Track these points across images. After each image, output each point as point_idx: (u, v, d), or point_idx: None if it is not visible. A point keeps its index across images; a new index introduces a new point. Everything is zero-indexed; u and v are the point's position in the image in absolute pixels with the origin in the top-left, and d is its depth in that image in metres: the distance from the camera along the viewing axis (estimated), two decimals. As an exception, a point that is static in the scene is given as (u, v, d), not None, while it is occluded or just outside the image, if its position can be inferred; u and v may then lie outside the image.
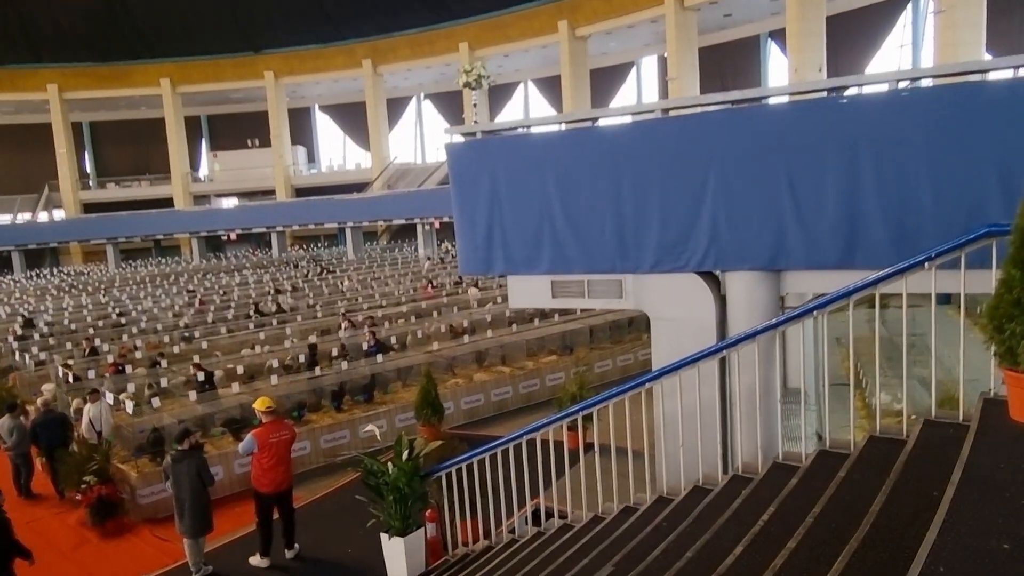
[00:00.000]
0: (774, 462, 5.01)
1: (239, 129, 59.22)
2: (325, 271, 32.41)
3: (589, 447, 6.03)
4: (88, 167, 60.16)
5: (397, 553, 6.90)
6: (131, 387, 13.27)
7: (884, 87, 5.82)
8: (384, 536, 6.94)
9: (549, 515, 7.11)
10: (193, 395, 11.55)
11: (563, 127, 7.20)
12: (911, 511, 3.24)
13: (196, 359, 14.15)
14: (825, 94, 6.15)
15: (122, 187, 58.45)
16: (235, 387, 11.91)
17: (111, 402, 11.24)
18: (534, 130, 7.38)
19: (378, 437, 7.03)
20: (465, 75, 24.33)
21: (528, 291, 7.54)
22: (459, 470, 7.07)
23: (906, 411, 4.90)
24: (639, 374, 6.59)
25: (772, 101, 6.33)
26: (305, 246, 53.06)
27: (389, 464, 6.87)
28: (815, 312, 4.82)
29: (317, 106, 60.84)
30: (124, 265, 45.32)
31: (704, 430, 5.45)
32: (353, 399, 13.33)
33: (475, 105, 30.69)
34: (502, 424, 13.83)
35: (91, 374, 14.60)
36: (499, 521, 6.81)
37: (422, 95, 58.35)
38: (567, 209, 6.99)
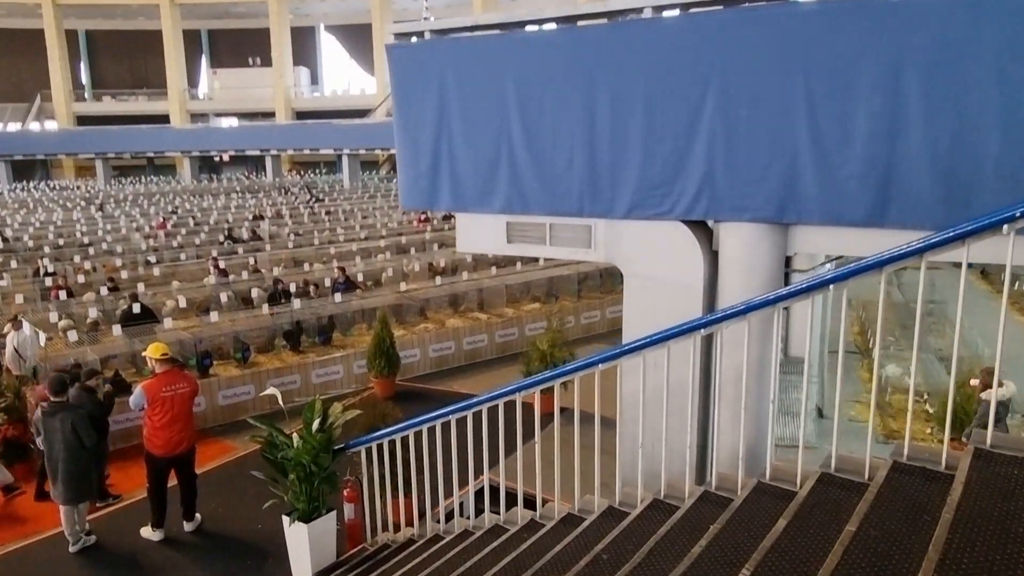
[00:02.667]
0: (759, 482, 3.74)
1: (241, 46, 57.05)
2: (314, 199, 30.95)
3: (562, 411, 4.78)
4: (84, 78, 58.26)
5: (300, 541, 5.75)
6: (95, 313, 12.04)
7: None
8: (286, 520, 5.77)
9: (496, 493, 5.89)
10: (118, 329, 10.31)
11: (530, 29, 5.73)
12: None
13: (141, 287, 12.89)
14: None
15: (118, 101, 56.62)
16: (168, 322, 10.65)
17: (29, 332, 10.03)
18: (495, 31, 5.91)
19: (280, 402, 5.76)
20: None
21: (479, 233, 6.20)
22: (391, 441, 5.86)
23: (947, 440, 3.61)
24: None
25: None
26: (302, 172, 51.43)
27: (294, 435, 5.66)
28: (831, 285, 3.48)
29: (323, 25, 58.37)
30: (114, 182, 43.92)
31: (672, 426, 4.18)
32: (310, 341, 12.12)
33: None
34: (472, 376, 12.66)
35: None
36: (448, 495, 5.63)
37: (431, 18, 55.77)
38: (529, 133, 5.59)
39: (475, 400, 5.03)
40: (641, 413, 4.22)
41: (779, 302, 3.63)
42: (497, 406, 4.97)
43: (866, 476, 3.40)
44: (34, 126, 53.78)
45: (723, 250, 5.20)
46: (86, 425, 6.53)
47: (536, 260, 15.82)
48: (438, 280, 14.07)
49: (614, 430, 4.49)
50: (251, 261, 16.09)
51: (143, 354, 7.81)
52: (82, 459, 6.51)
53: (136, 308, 11.20)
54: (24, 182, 44.24)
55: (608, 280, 16.19)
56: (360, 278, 14.33)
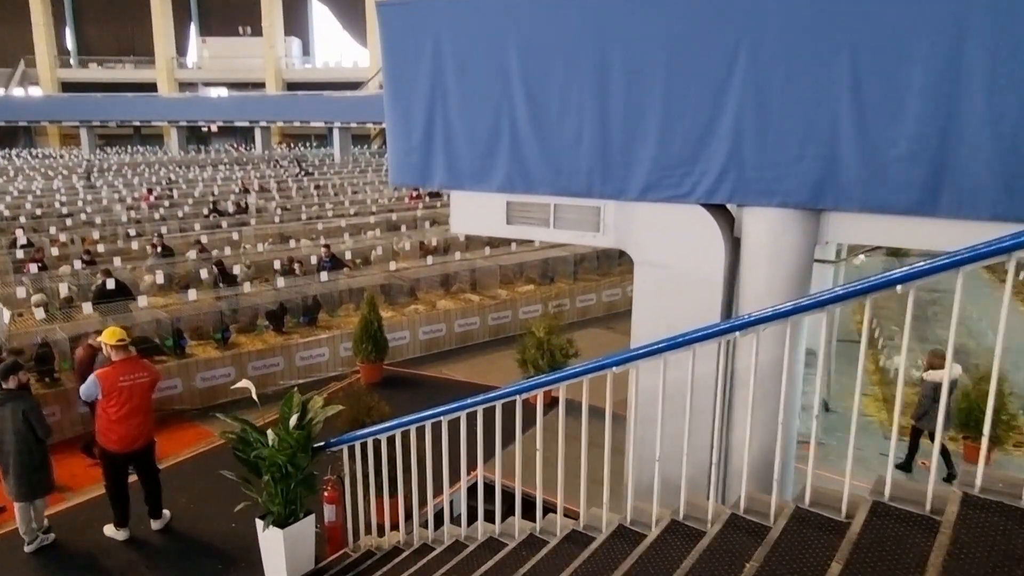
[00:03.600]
0: (797, 507, 3.25)
1: (231, 14, 55.71)
2: (303, 172, 30.19)
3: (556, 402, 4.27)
4: (69, 44, 56.86)
5: (275, 547, 5.25)
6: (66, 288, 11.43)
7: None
8: (259, 524, 5.27)
9: (491, 491, 5.39)
10: (88, 307, 9.73)
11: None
12: None
13: (117, 262, 12.28)
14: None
15: (105, 68, 55.31)
16: (143, 300, 10.06)
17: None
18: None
19: (253, 396, 5.23)
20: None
21: (476, 213, 5.65)
22: (376, 440, 5.34)
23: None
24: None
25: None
26: (292, 145, 50.49)
27: (269, 432, 5.14)
28: (899, 286, 2.97)
29: (315, -6, 57.13)
30: (99, 151, 42.92)
31: (693, 437, 3.69)
32: (294, 321, 11.57)
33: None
34: (463, 360, 12.17)
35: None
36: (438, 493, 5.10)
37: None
38: (533, 103, 5.03)
39: (470, 401, 4.52)
40: (659, 421, 3.71)
41: (833, 303, 3.11)
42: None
43: (927, 508, 2.91)
44: (17, 92, 52.48)
45: (746, 238, 4.68)
46: (40, 414, 5.98)
47: (531, 241, 15.30)
48: (429, 260, 13.52)
49: (623, 426, 4.00)
50: (234, 236, 15.46)
51: (97, 339, 7.21)
52: (37, 451, 5.95)
53: (110, 284, 10.60)
54: (6, 150, 43.16)
55: (605, 262, 15.68)
56: (348, 256, 13.74)
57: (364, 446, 5.38)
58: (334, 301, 12.09)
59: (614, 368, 3.68)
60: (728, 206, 4.90)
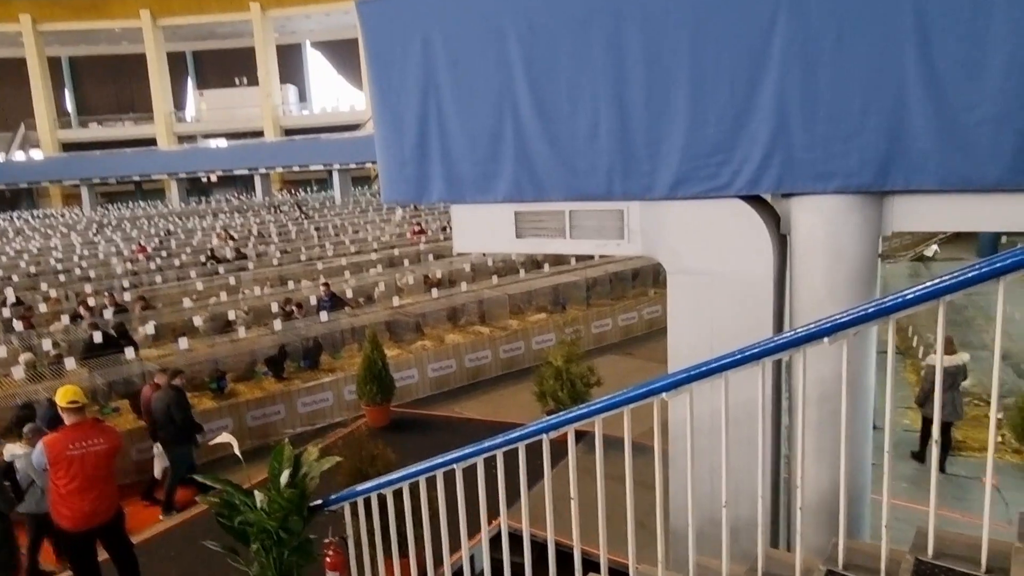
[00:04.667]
0: (918, 561, 2.51)
1: (227, 67, 56.04)
2: (303, 215, 29.75)
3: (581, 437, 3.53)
4: (69, 105, 57.19)
5: (269, 627, 4.50)
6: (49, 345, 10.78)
7: None
8: (250, 601, 4.54)
9: (517, 541, 4.61)
10: (71, 363, 9.08)
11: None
12: None
13: (108, 314, 11.66)
14: None
15: (104, 126, 55.53)
16: (130, 352, 9.40)
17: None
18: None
19: (235, 450, 4.54)
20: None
21: (482, 228, 5.00)
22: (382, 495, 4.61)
23: None
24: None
25: None
26: (293, 191, 50.28)
27: (256, 493, 4.44)
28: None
29: (308, 42, 57.42)
30: (100, 208, 42.74)
31: (754, 472, 2.97)
32: (295, 366, 10.89)
33: None
34: (476, 397, 11.45)
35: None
36: (454, 549, 4.33)
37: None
38: (539, 95, 4.40)
39: (487, 445, 3.81)
40: (723, 454, 3.00)
41: (946, 294, 2.41)
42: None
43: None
44: (19, 155, 52.59)
45: (797, 233, 4.01)
46: (4, 491, 5.26)
47: (540, 266, 14.66)
48: (434, 292, 12.86)
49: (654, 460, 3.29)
50: (231, 281, 14.85)
51: (161, 377, 7.85)
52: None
53: (97, 337, 9.96)
54: (7, 212, 43.03)
55: (618, 286, 15.01)
56: (349, 294, 13.10)
57: (368, 502, 4.67)
58: (336, 342, 11.42)
59: (664, 394, 2.97)
60: (770, 200, 4.26)
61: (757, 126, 3.81)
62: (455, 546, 4.33)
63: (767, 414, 2.91)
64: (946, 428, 8.80)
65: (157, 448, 8.19)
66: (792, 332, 2.67)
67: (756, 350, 2.73)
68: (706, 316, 4.26)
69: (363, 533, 4.77)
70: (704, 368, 2.86)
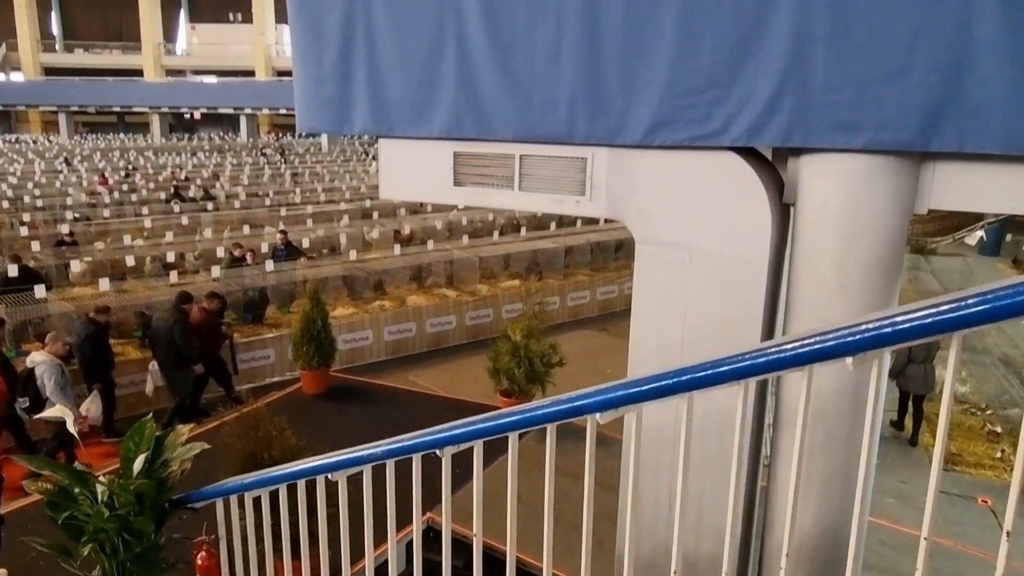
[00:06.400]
0: None
1: (221, 1, 54.02)
2: (282, 161, 28.52)
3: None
4: (55, 28, 55.09)
5: (106, 647, 3.62)
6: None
7: None
8: (85, 614, 3.64)
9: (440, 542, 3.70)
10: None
11: None
12: None
13: (36, 246, 10.62)
14: None
15: (90, 53, 53.58)
16: (40, 290, 8.38)
17: None
18: None
19: (69, 427, 3.62)
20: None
21: (413, 170, 4.03)
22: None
23: None
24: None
25: None
26: (280, 135, 48.81)
27: (99, 481, 3.53)
28: None
29: (307, -19, 55.40)
30: (79, 137, 41.24)
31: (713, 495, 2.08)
32: (235, 317, 9.94)
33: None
34: (435, 365, 10.56)
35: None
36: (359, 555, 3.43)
37: None
38: (490, 6, 3.42)
39: (400, 445, 2.85)
40: (680, 488, 2.10)
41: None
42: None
43: None
44: (-1, 77, 50.74)
45: (804, 203, 3.07)
46: None
47: (518, 230, 13.69)
48: (397, 249, 11.86)
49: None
50: (184, 221, 13.80)
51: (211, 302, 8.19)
52: None
53: (12, 271, 8.95)
54: (-18, 135, 41.53)
55: (600, 256, 14.08)
56: (305, 244, 12.09)
57: (242, 499, 3.77)
58: (286, 295, 10.46)
59: (599, 415, 2.04)
60: (773, 158, 3.33)
61: (766, 56, 2.85)
62: (358, 554, 3.44)
63: (745, 435, 2.00)
64: (918, 401, 8.74)
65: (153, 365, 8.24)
66: (798, 342, 1.73)
67: (738, 364, 1.80)
68: (679, 301, 3.34)
69: (246, 531, 3.89)
70: (661, 383, 1.93)
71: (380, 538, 3.14)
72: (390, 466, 2.80)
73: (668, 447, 3.12)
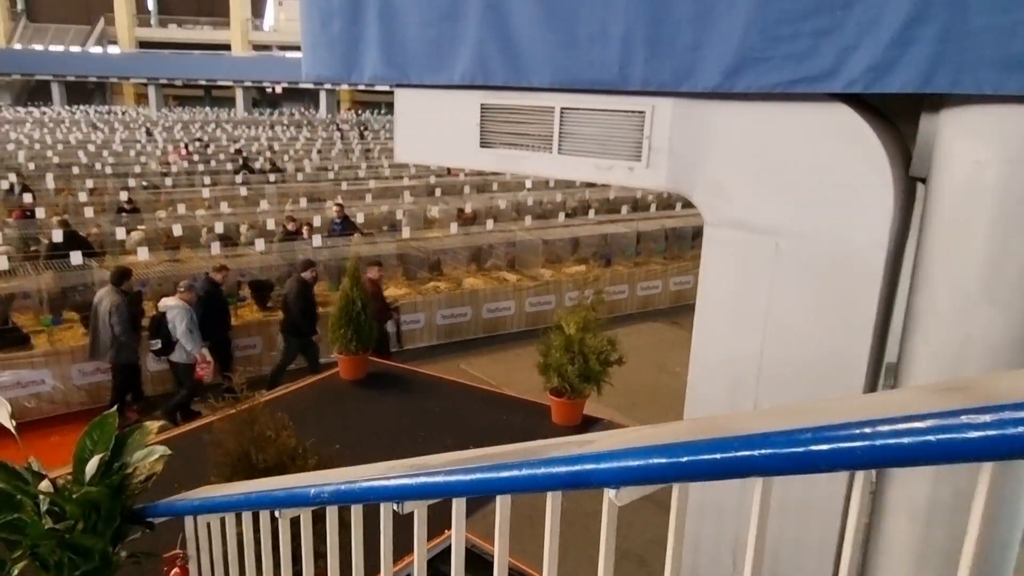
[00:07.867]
0: None
1: (311, -25, 54.47)
2: (359, 137, 28.33)
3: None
4: (150, 4, 56.72)
5: None
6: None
7: None
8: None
9: (475, 560, 3.04)
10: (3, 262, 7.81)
11: None
12: None
13: (89, 212, 10.43)
14: None
15: (184, 28, 54.98)
16: (76, 256, 8.02)
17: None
18: None
19: (7, 422, 3.06)
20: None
21: (432, 126, 3.32)
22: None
23: None
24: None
25: None
26: (359, 111, 48.96)
27: (43, 486, 2.96)
28: None
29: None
30: (166, 110, 42.27)
31: None
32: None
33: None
34: (488, 354, 9.90)
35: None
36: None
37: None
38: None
39: (341, 489, 2.18)
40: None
41: None
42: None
43: None
44: (96, 50, 52.51)
45: (942, 177, 2.21)
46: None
47: (587, 211, 12.86)
48: (453, 228, 11.19)
49: None
50: (242, 192, 13.50)
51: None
52: None
53: (57, 236, 8.70)
54: (78, 106, 42.91)
55: (674, 244, 13.12)
56: (360, 220, 11.55)
57: (223, 517, 3.15)
58: (335, 272, 9.95)
59: (613, 492, 1.27)
60: (896, 117, 2.48)
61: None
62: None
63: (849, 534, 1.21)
64: None
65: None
66: (992, 415, 0.92)
67: (854, 444, 0.99)
68: (760, 303, 2.54)
69: (212, 554, 3.29)
70: (717, 456, 1.15)
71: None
72: (331, 512, 2.10)
73: (733, 490, 2.35)
